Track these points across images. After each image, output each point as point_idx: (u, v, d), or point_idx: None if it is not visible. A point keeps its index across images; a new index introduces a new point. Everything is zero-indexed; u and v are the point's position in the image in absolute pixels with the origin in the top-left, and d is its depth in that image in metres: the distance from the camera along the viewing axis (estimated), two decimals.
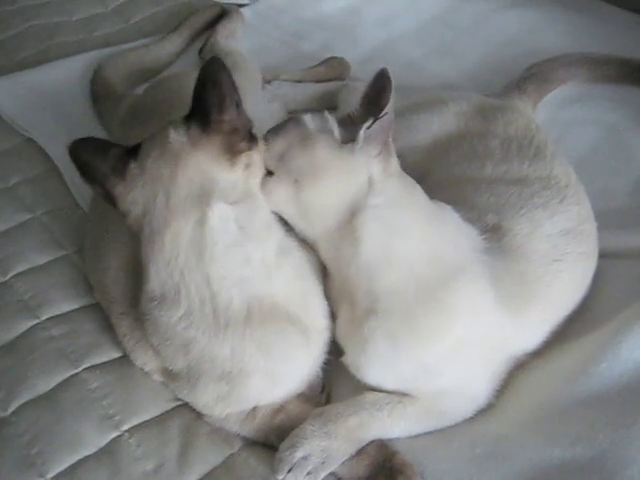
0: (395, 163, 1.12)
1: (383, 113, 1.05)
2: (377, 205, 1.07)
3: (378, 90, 1.07)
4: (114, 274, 1.22)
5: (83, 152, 1.07)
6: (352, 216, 1.08)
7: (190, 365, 1.11)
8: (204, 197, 1.04)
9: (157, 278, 1.07)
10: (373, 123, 1.05)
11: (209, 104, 1.04)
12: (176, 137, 1.06)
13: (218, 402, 1.13)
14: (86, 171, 1.08)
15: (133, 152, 1.08)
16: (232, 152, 1.05)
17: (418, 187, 1.14)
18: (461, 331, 1.09)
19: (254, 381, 1.10)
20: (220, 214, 1.04)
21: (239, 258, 1.06)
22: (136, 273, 1.13)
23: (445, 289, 1.08)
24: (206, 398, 1.14)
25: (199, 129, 1.05)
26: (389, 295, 1.07)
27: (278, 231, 1.11)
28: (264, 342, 1.08)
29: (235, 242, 1.05)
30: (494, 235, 1.16)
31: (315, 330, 1.14)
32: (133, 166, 1.07)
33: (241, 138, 1.06)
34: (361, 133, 1.06)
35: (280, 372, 1.12)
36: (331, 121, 1.10)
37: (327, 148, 1.08)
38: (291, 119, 1.15)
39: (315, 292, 1.14)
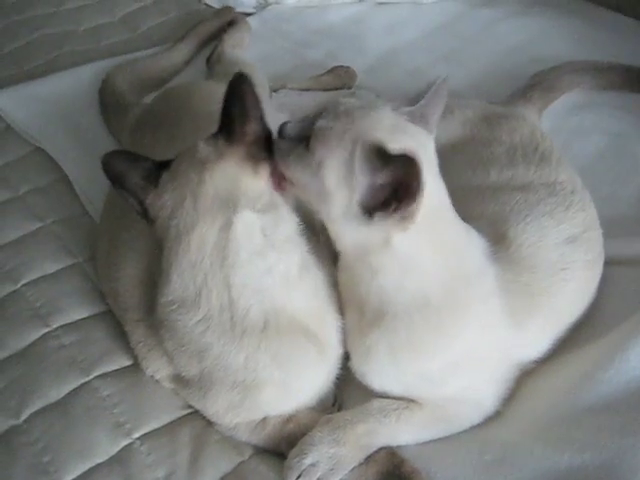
0: (425, 207, 0.98)
1: (408, 202, 0.96)
2: (395, 253, 1.03)
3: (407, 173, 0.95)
4: (129, 282, 1.23)
5: (116, 163, 1.10)
6: (369, 252, 1.04)
7: (203, 372, 1.12)
8: (231, 202, 1.06)
9: (180, 280, 1.08)
10: (394, 211, 0.97)
11: (233, 116, 1.08)
12: (204, 147, 1.10)
13: (229, 411, 1.14)
14: (119, 181, 1.11)
15: (165, 165, 1.12)
16: (254, 160, 1.08)
17: (448, 216, 1.07)
18: (465, 347, 1.09)
19: (266, 392, 1.11)
20: (245, 221, 1.06)
21: (261, 267, 1.07)
22: (152, 280, 1.15)
23: (455, 313, 1.07)
24: (217, 406, 1.15)
25: (224, 140, 1.09)
26: (396, 315, 1.06)
27: (302, 246, 1.13)
28: (279, 354, 1.09)
29: (258, 251, 1.07)
30: (501, 246, 1.15)
31: (329, 345, 1.14)
32: (165, 175, 1.10)
33: (263, 148, 1.09)
34: (377, 215, 0.99)
35: (293, 385, 1.13)
36: (355, 175, 1.00)
37: (343, 207, 1.02)
38: (324, 134, 1.03)
39: (331, 309, 1.15)
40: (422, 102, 1.08)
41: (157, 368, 1.20)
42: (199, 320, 1.09)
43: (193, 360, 1.12)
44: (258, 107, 1.10)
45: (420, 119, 1.07)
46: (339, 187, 1.01)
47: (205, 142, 1.11)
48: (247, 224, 1.06)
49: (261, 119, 1.10)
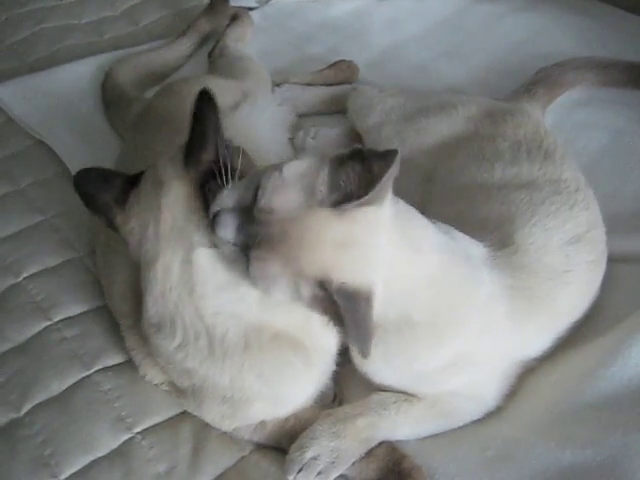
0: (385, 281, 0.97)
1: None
2: None
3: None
4: (122, 289, 1.21)
5: (87, 183, 1.07)
6: None
7: (194, 387, 1.11)
8: (187, 235, 1.01)
9: (154, 307, 1.06)
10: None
11: (191, 140, 1.04)
12: (165, 166, 1.06)
13: (224, 420, 1.14)
14: (89, 202, 1.08)
15: (135, 181, 1.08)
16: (206, 191, 1.02)
17: (421, 265, 1.01)
18: (462, 352, 1.09)
19: (257, 406, 1.11)
20: (205, 254, 1.01)
21: (232, 297, 1.02)
22: (140, 292, 1.11)
23: (445, 328, 1.06)
24: (212, 416, 1.15)
25: (183, 163, 1.05)
26: (386, 330, 1.04)
27: None
28: (264, 372, 1.06)
29: (226, 283, 1.01)
30: (506, 252, 1.14)
31: (319, 350, 1.10)
32: (132, 195, 1.07)
33: (215, 179, 1.01)
34: None
35: (282, 396, 1.12)
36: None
37: None
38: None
39: None
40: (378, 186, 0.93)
41: (153, 375, 1.19)
42: (177, 346, 1.06)
43: (183, 376, 1.11)
44: (217, 135, 1.03)
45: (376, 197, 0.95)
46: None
47: (168, 159, 1.07)
48: (207, 260, 1.01)
49: (218, 148, 1.03)
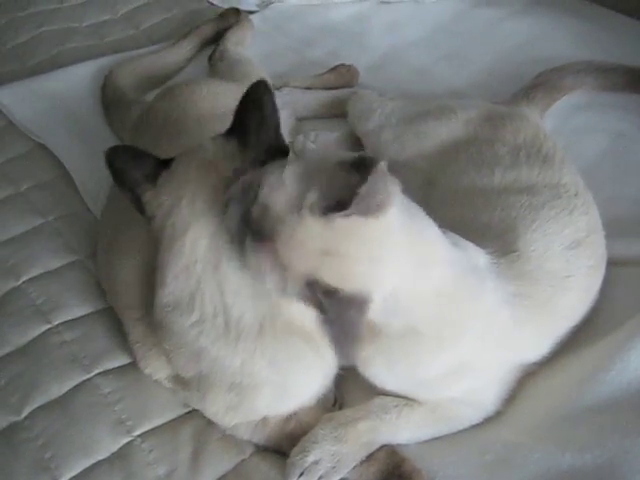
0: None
1: None
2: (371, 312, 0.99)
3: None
4: (128, 280, 1.22)
5: (118, 159, 1.09)
6: None
7: (201, 374, 1.11)
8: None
9: (174, 282, 1.07)
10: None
11: (250, 122, 1.07)
12: (211, 147, 1.09)
13: (228, 412, 1.14)
14: (120, 177, 1.10)
15: (167, 163, 1.10)
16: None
17: (424, 279, 1.00)
18: (463, 359, 1.08)
19: (264, 394, 1.10)
20: None
21: (252, 279, 1.03)
22: (151, 280, 1.13)
23: (449, 336, 1.05)
24: (216, 407, 1.14)
25: (236, 144, 1.08)
26: (390, 337, 1.04)
27: None
28: (275, 359, 1.07)
29: None
30: (508, 259, 1.14)
31: (328, 347, 1.08)
32: (164, 173, 1.09)
33: (274, 158, 1.06)
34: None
35: (291, 388, 1.12)
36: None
37: None
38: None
39: None
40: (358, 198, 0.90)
41: (156, 368, 1.19)
42: (193, 323, 1.07)
43: (190, 362, 1.11)
44: (276, 117, 1.08)
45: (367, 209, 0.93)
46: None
47: (213, 142, 1.10)
48: None
49: (277, 129, 1.09)
